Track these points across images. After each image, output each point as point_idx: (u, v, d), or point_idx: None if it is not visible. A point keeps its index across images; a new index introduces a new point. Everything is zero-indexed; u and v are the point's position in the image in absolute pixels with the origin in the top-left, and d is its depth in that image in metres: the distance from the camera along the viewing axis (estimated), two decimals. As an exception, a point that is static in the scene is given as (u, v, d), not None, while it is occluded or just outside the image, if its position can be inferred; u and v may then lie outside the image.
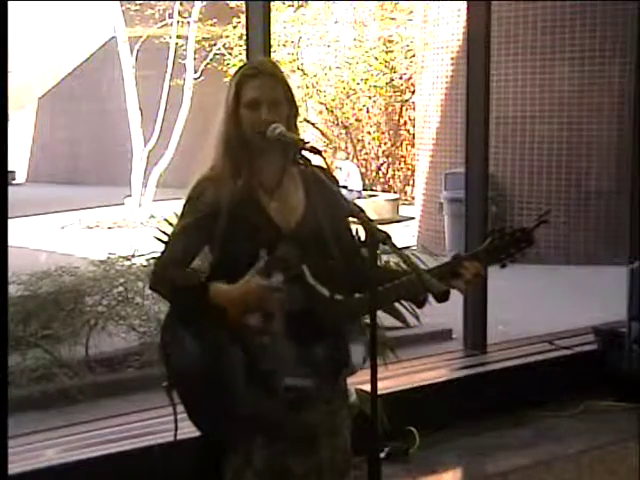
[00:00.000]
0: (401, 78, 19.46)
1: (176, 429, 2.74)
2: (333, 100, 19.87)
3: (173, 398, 2.68)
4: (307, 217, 2.69)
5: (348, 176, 17.20)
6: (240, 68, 2.76)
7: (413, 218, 14.55)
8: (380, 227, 2.45)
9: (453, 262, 2.63)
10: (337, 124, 20.16)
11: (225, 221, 2.61)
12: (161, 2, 19.07)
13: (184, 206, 2.70)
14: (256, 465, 2.65)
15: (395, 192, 19.42)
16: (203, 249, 2.72)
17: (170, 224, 2.79)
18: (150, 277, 2.75)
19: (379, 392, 2.45)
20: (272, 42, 4.91)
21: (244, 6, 5.15)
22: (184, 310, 2.69)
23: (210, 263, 2.73)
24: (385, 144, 20.32)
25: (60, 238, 14.93)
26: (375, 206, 16.08)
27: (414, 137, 15.28)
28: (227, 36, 18.65)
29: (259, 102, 2.64)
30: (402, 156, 20.29)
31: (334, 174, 2.74)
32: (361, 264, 2.76)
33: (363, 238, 2.50)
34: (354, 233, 2.85)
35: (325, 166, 2.62)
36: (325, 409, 2.72)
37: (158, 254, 2.77)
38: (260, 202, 2.68)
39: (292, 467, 2.66)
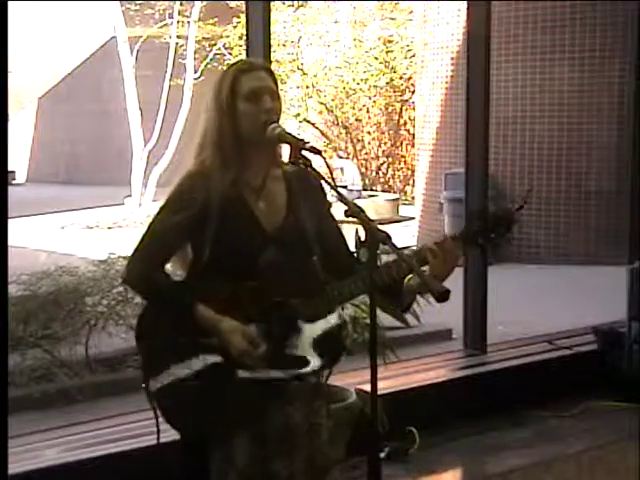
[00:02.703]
0: (401, 78, 19.45)
1: (158, 432, 2.74)
2: (333, 100, 19.86)
3: (153, 400, 2.68)
4: (290, 218, 2.69)
5: (353, 179, 17.37)
6: (229, 68, 2.74)
7: (413, 218, 14.55)
8: (380, 227, 2.45)
9: (422, 250, 2.66)
10: (337, 124, 20.15)
11: (214, 221, 2.59)
12: (161, 2, 19.06)
13: (171, 200, 2.66)
14: (238, 465, 2.63)
15: (395, 192, 19.41)
16: (183, 247, 2.70)
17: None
18: (127, 273, 2.70)
19: (379, 392, 2.44)
20: (272, 42, 4.91)
21: (244, 6, 5.14)
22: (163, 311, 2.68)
23: (191, 260, 2.69)
24: (385, 144, 20.31)
25: (60, 238, 14.93)
26: (375, 206, 16.07)
27: (414, 137, 15.27)
28: (227, 36, 18.63)
29: (260, 92, 2.63)
30: (402, 156, 20.28)
31: (333, 174, 2.74)
32: (348, 259, 2.78)
33: (363, 238, 2.50)
34: (341, 229, 2.85)
35: (325, 166, 2.62)
36: (305, 408, 2.71)
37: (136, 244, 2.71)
38: (247, 203, 2.66)
39: (273, 467, 2.64)
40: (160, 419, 2.73)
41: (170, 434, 2.82)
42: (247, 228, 2.64)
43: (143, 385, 2.68)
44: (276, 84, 2.71)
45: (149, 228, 2.69)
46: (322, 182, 2.71)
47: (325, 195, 2.75)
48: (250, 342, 2.58)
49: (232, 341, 2.57)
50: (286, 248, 2.65)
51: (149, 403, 2.69)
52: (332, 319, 2.72)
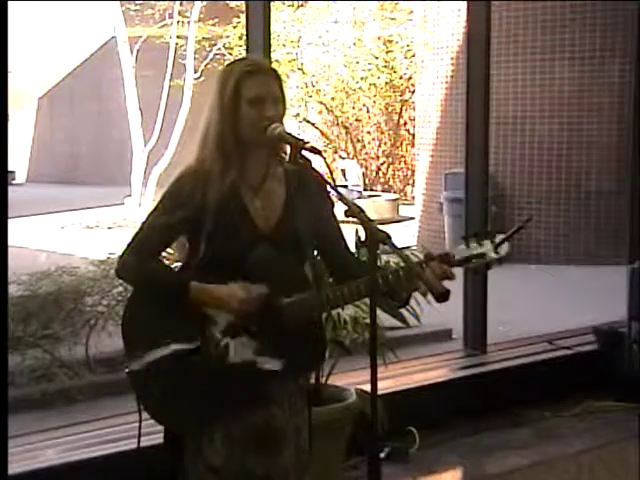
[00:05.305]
0: (401, 78, 19.46)
1: (140, 435, 2.77)
2: (333, 100, 19.86)
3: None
4: (286, 218, 2.68)
5: (359, 179, 17.43)
6: (232, 65, 2.72)
7: (413, 218, 14.54)
8: (380, 227, 2.45)
9: (421, 262, 2.57)
10: (337, 124, 20.15)
11: (210, 219, 2.60)
12: (161, 2, 19.05)
13: (167, 197, 2.67)
14: (213, 464, 2.63)
15: (395, 192, 19.41)
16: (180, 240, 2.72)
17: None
18: (120, 265, 2.70)
19: (379, 392, 2.45)
20: (272, 42, 4.91)
21: (244, 6, 5.14)
22: (155, 300, 2.68)
23: (187, 255, 2.71)
24: (385, 144, 20.31)
25: (60, 238, 14.92)
26: (375, 206, 16.07)
27: (414, 137, 15.27)
28: (227, 36, 18.62)
29: (263, 99, 2.61)
30: (402, 156, 20.28)
31: (333, 174, 2.74)
32: (347, 260, 2.78)
33: (363, 238, 2.49)
34: (342, 230, 2.82)
35: (325, 166, 2.62)
36: (289, 409, 2.70)
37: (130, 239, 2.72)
38: (243, 201, 2.66)
39: (253, 468, 2.63)
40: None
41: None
42: (240, 226, 2.63)
43: (127, 371, 2.71)
44: (281, 88, 2.68)
45: (144, 223, 2.69)
46: (324, 182, 2.69)
47: (328, 195, 2.72)
48: (248, 292, 2.59)
49: (233, 294, 2.58)
50: (278, 247, 2.63)
51: (133, 389, 2.73)
52: (317, 320, 2.71)
